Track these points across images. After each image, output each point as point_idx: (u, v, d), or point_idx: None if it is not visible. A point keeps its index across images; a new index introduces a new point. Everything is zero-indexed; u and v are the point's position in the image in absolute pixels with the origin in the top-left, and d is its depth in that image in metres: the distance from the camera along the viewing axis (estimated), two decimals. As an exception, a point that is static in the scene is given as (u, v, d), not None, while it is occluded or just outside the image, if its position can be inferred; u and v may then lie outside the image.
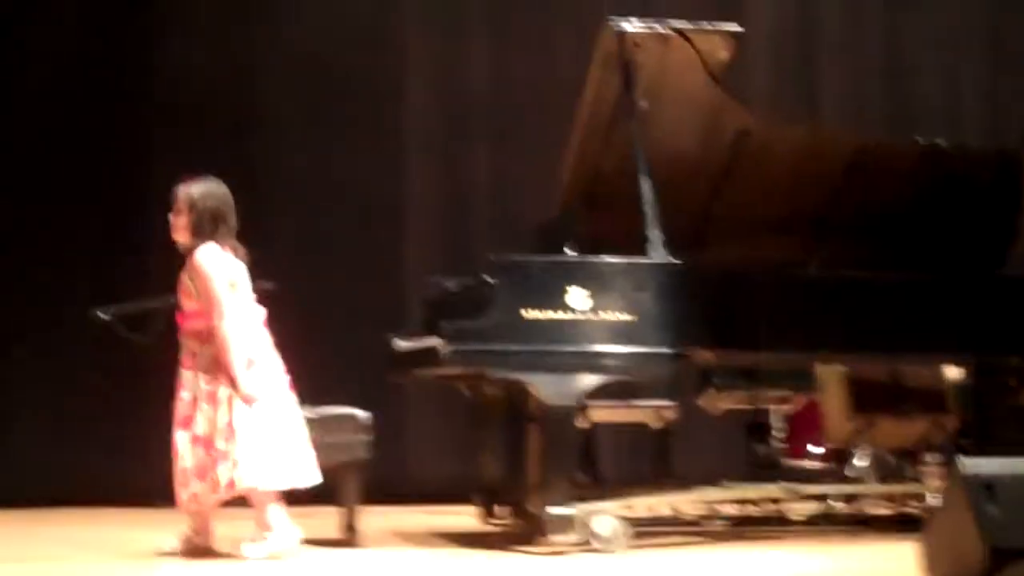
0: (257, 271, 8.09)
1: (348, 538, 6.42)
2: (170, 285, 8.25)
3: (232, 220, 6.02)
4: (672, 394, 7.89)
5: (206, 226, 5.91)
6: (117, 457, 8.58)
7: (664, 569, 5.74)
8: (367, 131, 9.13)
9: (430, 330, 6.38)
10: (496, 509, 7.14)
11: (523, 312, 5.90)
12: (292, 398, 6.02)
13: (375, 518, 6.90)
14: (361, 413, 6.42)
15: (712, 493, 6.89)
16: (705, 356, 6.46)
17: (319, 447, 6.20)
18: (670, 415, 7.93)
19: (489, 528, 7.10)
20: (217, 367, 5.83)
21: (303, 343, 8.63)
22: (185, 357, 5.93)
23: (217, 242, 5.92)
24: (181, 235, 5.97)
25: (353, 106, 9.13)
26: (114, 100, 9.02)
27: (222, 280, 5.88)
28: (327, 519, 6.60)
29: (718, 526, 7.21)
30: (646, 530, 6.54)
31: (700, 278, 6.19)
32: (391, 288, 8.85)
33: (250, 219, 8.79)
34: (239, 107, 9.08)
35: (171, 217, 5.99)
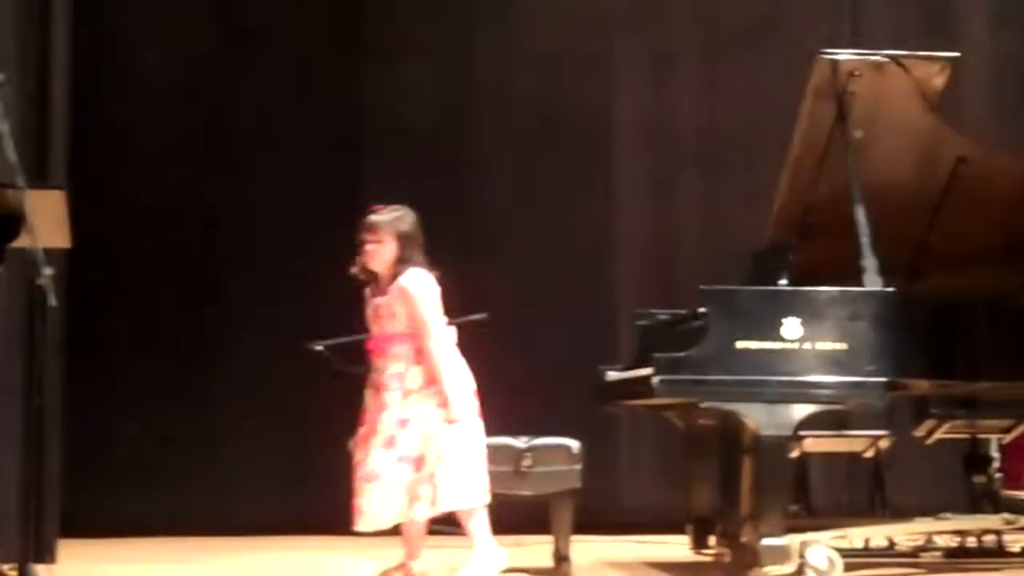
0: (470, 302, 8.23)
1: (559, 567, 6.45)
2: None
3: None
4: (887, 423, 7.78)
5: (409, 252, 6.01)
6: (325, 487, 8.74)
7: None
8: (578, 165, 9.17)
9: (642, 361, 6.41)
10: (708, 539, 7.11)
11: (736, 342, 5.89)
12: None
13: (586, 547, 6.93)
14: (573, 443, 6.47)
15: (929, 524, 6.78)
16: (921, 386, 6.37)
17: (531, 476, 6.25)
18: (884, 445, 7.83)
19: (701, 558, 7.07)
20: (428, 387, 5.92)
21: (516, 374, 8.77)
22: (387, 379, 6.00)
23: (421, 267, 6.02)
24: (378, 262, 6.06)
25: (563, 140, 9.17)
26: (323, 134, 9.16)
27: (433, 303, 5.98)
28: (539, 548, 6.65)
29: (934, 558, 7.09)
30: (861, 561, 6.47)
31: (916, 307, 6.10)
32: (603, 319, 8.88)
33: (463, 252, 8.97)
34: (451, 141, 9.18)
35: (366, 245, 6.09)
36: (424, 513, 5.88)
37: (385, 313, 6.02)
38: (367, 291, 6.12)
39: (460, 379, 5.96)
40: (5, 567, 5.35)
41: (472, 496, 5.88)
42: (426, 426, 5.87)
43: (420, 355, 5.95)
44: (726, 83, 9.31)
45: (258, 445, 8.83)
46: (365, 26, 9.30)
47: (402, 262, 6.00)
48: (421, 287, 5.95)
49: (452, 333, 6.10)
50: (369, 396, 6.05)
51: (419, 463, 5.85)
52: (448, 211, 9.00)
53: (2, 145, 5.20)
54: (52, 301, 5.09)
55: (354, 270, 6.12)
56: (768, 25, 9.26)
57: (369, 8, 9.33)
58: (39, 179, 6.53)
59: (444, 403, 5.87)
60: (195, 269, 8.96)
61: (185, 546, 7.84)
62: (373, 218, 6.05)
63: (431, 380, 5.91)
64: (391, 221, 6.03)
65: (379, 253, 6.03)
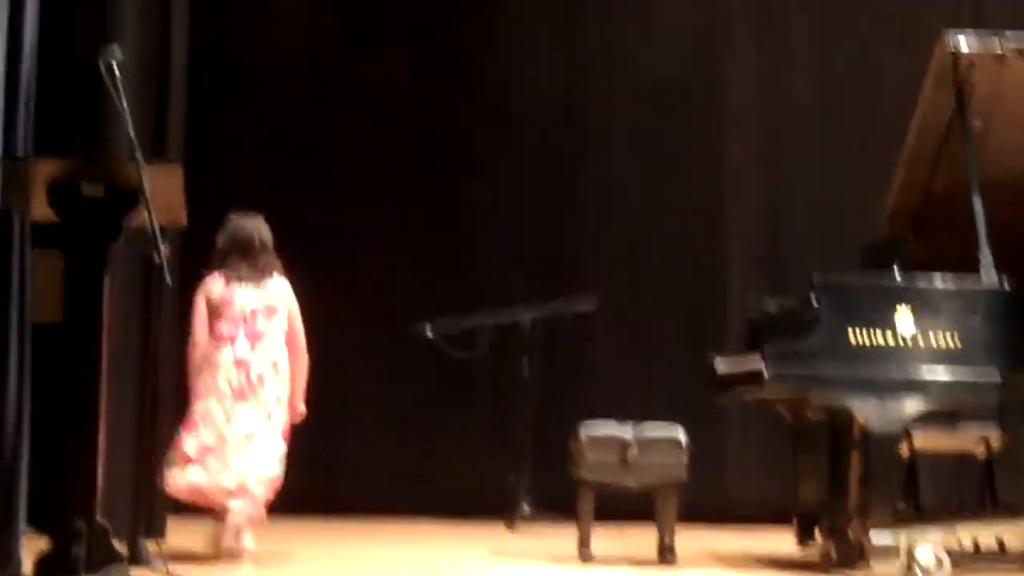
0: (580, 290, 8.23)
1: (664, 558, 6.44)
2: (493, 302, 8.47)
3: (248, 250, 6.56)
4: (998, 421, 7.66)
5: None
6: (440, 468, 8.80)
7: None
8: (690, 153, 9.14)
9: (752, 351, 6.37)
10: (814, 533, 7.05)
11: (848, 334, 5.84)
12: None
13: (691, 538, 6.91)
14: (680, 435, 6.45)
15: (1041, 525, 6.68)
16: (1035, 383, 6.27)
17: (637, 468, 6.24)
18: (996, 443, 7.70)
19: (806, 553, 7.02)
20: None
21: (627, 363, 8.78)
22: None
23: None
24: None
25: (679, 132, 9.15)
26: (438, 120, 9.22)
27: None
28: (643, 538, 6.63)
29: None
30: (969, 561, 6.38)
31: (1034, 302, 6.01)
32: (714, 309, 8.86)
33: (574, 239, 8.98)
34: (568, 133, 9.18)
35: None
36: None
37: None
38: None
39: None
40: (116, 541, 5.41)
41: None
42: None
43: None
44: (841, 65, 9.22)
45: (369, 428, 8.90)
46: (475, 12, 9.32)
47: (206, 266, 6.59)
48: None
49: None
50: None
51: None
52: (560, 200, 9.03)
53: (122, 121, 5.28)
54: (168, 279, 5.15)
55: None
56: (885, 3, 9.15)
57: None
58: (158, 156, 6.63)
59: None
60: (307, 252, 9.02)
61: (293, 526, 7.90)
62: None
63: None
64: None
65: None
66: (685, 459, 6.44)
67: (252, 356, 6.41)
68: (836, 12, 9.28)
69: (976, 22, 8.21)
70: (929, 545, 5.92)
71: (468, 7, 9.34)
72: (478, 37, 9.29)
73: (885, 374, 5.85)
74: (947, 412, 6.73)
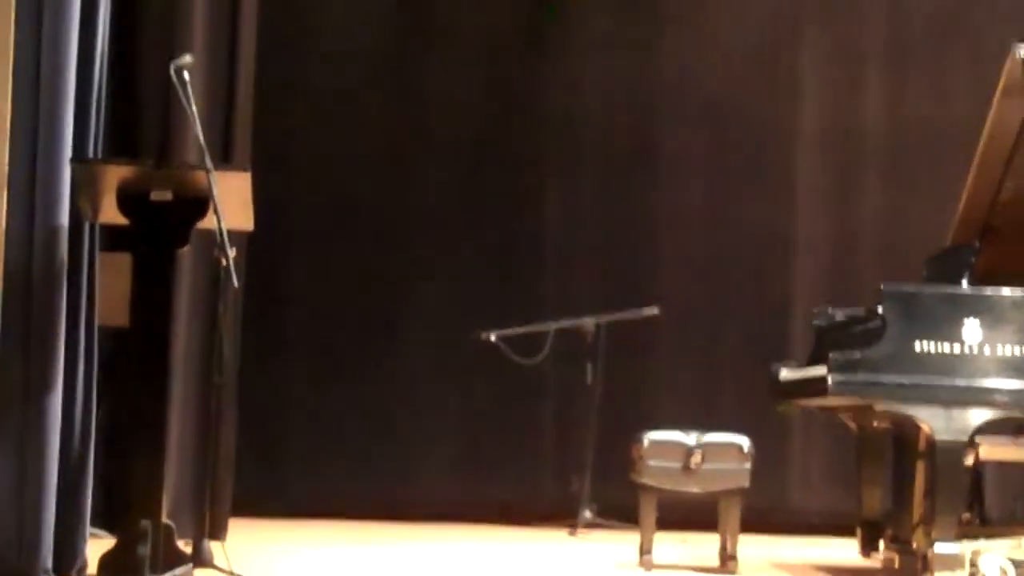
0: (646, 297, 8.22)
1: (726, 566, 6.43)
2: (557, 309, 8.48)
3: None
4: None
5: None
6: (495, 477, 8.81)
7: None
8: (758, 162, 9.10)
9: (817, 360, 6.35)
10: (878, 543, 7.01)
11: (914, 343, 5.82)
12: None
13: (754, 546, 6.89)
14: (744, 441, 6.44)
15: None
16: (1106, 394, 6.21)
17: (701, 474, 6.23)
18: (1062, 454, 7.65)
19: (870, 563, 6.99)
20: None
21: (690, 369, 8.76)
22: None
23: None
24: None
25: (746, 142, 9.10)
26: (503, 129, 9.22)
27: None
28: (706, 546, 6.62)
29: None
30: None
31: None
32: (779, 317, 8.82)
33: (641, 247, 8.98)
34: (631, 138, 9.16)
35: None
36: None
37: None
38: None
39: None
40: (180, 542, 5.47)
41: None
42: None
43: None
44: (910, 79, 9.16)
45: (431, 433, 8.92)
46: (547, 24, 9.32)
47: None
48: None
49: None
50: None
51: None
52: (626, 208, 9.03)
53: (191, 127, 5.33)
54: (235, 282, 5.20)
55: None
56: (955, 19, 9.08)
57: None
58: (224, 162, 6.67)
59: None
60: (373, 258, 9.07)
61: (354, 531, 7.94)
62: None
63: None
64: None
65: None
66: (748, 465, 6.42)
67: None
68: (906, 28, 9.21)
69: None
70: (994, 556, 5.88)
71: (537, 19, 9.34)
72: (549, 46, 9.28)
73: (951, 383, 5.81)
74: (1014, 422, 6.69)
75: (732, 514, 6.43)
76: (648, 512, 6.45)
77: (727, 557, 6.44)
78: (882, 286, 5.95)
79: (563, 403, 8.73)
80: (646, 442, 6.45)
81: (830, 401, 6.20)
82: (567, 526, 8.11)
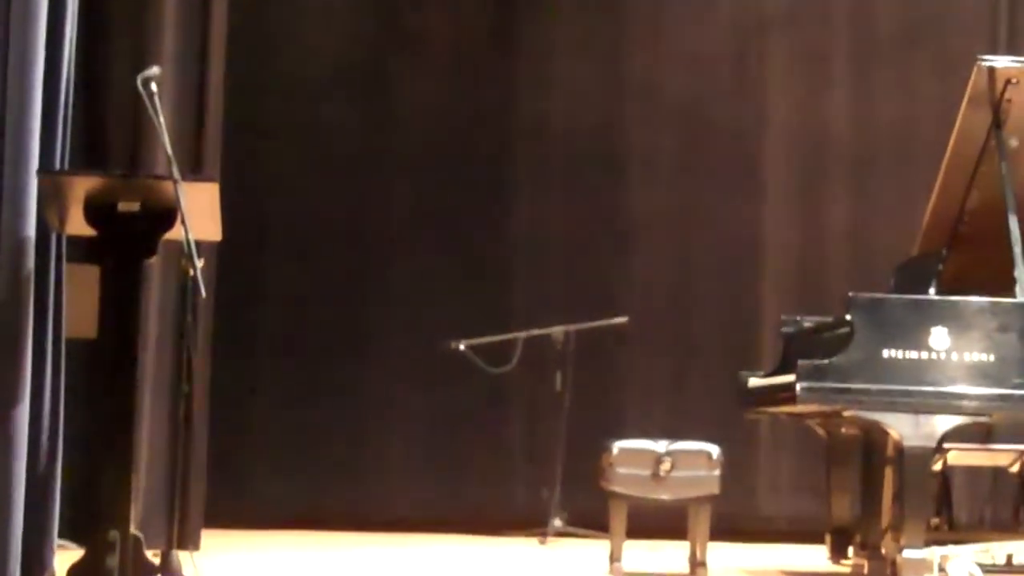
0: (613, 305, 8.23)
1: (696, 573, 6.43)
2: (527, 318, 8.49)
3: None
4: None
5: None
6: (467, 485, 8.81)
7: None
8: (726, 168, 9.12)
9: (785, 367, 6.37)
10: (847, 549, 7.04)
11: (882, 351, 5.84)
12: None
13: (723, 553, 6.90)
14: (713, 448, 6.45)
15: (1076, 542, 6.64)
16: (1071, 400, 6.24)
17: (670, 481, 6.24)
18: (1030, 460, 7.68)
19: (839, 568, 7.01)
20: None
21: (657, 377, 8.77)
22: None
23: None
24: None
25: (715, 150, 9.12)
26: (473, 134, 9.22)
27: None
28: (675, 553, 6.63)
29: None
30: (1003, 577, 6.37)
31: (1069, 319, 5.99)
32: (747, 324, 8.84)
33: (608, 254, 8.98)
34: (603, 148, 9.18)
35: None
36: None
37: None
38: None
39: None
40: (149, 553, 5.45)
41: None
42: None
43: None
44: (877, 87, 9.20)
45: (401, 442, 8.92)
46: (516, 26, 9.33)
47: None
48: None
49: None
50: None
51: None
52: (595, 215, 9.04)
53: (159, 137, 5.32)
54: (202, 292, 5.18)
55: None
56: (921, 29, 9.13)
57: (520, 8, 9.36)
58: (193, 172, 6.66)
59: None
60: (343, 265, 9.07)
61: (325, 540, 7.94)
62: None
63: None
64: None
65: None
66: (718, 472, 6.43)
67: None
68: (872, 33, 9.24)
69: (1013, 50, 8.21)
70: (962, 561, 5.90)
71: (511, 23, 9.34)
72: (517, 51, 9.29)
73: (919, 389, 5.83)
74: (981, 428, 6.72)
75: (702, 521, 6.43)
76: (618, 520, 6.44)
77: (697, 564, 6.44)
78: (850, 294, 5.97)
79: (532, 412, 8.74)
80: (615, 450, 6.45)
81: (799, 408, 6.21)
82: (537, 534, 8.11)
